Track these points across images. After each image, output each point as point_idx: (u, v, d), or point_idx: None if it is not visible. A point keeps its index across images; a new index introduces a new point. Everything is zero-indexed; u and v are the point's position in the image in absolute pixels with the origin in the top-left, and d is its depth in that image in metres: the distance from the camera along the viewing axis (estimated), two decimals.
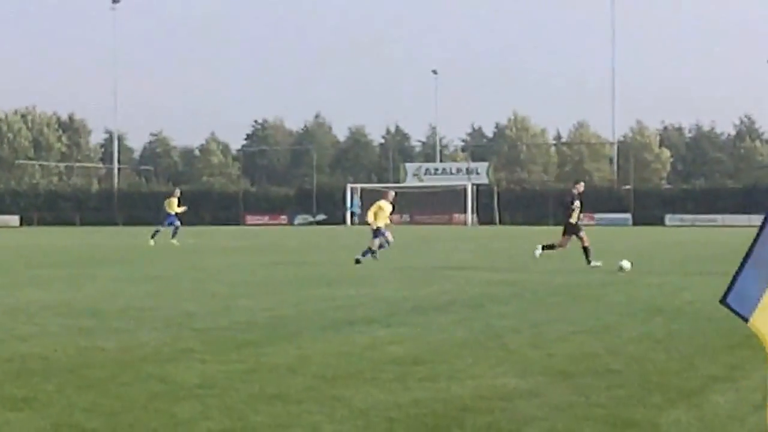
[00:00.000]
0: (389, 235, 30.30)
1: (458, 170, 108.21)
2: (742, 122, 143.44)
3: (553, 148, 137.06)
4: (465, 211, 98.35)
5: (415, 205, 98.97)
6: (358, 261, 27.69)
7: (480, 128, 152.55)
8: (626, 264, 24.36)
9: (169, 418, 7.90)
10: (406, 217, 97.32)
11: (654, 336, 12.28)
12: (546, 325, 13.53)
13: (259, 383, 9.24)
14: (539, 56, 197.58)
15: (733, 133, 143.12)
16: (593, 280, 21.78)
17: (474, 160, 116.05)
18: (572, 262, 27.24)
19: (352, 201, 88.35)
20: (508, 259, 31.79)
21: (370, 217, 30.22)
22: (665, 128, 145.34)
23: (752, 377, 9.56)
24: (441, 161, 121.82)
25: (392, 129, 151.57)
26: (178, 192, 45.87)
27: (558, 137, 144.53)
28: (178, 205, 44.16)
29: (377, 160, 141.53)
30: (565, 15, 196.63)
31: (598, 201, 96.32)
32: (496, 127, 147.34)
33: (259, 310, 15.52)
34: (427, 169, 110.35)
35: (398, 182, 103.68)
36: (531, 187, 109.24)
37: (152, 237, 42.92)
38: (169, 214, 43.96)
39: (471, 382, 9.39)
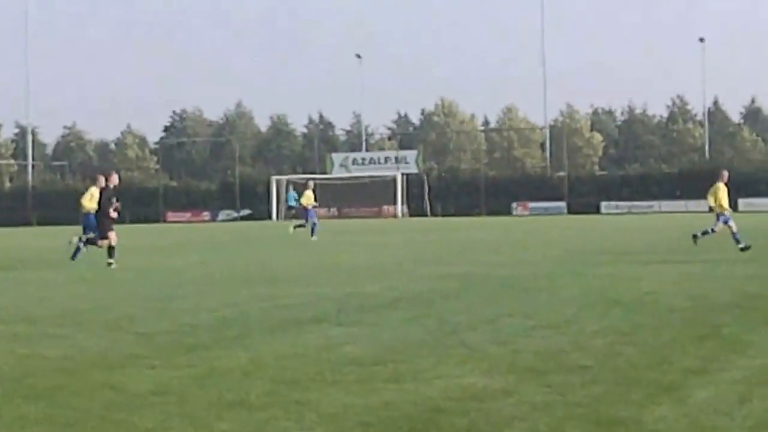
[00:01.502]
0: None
1: (387, 159, 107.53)
2: (674, 104, 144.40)
3: (482, 135, 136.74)
4: (395, 203, 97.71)
5: (343, 198, 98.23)
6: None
7: (406, 115, 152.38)
8: None
9: (130, 427, 7.45)
10: (333, 211, 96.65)
11: (619, 329, 11.89)
12: (503, 320, 13.12)
13: (216, 389, 8.76)
14: (466, 40, 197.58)
15: (665, 115, 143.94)
16: (540, 271, 21.46)
17: (401, 148, 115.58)
18: (510, 254, 26.85)
19: (287, 194, 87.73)
20: (447, 251, 31.39)
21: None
22: (596, 112, 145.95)
23: (729, 369, 9.26)
24: (367, 150, 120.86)
25: (315, 117, 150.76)
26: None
27: (486, 123, 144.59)
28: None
29: (301, 151, 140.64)
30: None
31: (531, 189, 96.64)
32: (423, 113, 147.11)
33: (200, 311, 14.97)
34: (354, 159, 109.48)
35: (324, 173, 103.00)
36: (462, 175, 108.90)
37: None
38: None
39: (438, 382, 8.97)
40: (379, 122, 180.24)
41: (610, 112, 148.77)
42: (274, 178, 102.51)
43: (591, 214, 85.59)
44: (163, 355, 10.72)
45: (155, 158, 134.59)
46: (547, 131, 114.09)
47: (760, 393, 8.22)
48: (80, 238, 27.76)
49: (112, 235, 26.26)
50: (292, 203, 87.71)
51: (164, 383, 9.13)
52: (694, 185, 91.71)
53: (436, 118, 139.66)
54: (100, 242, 26.77)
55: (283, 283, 20.12)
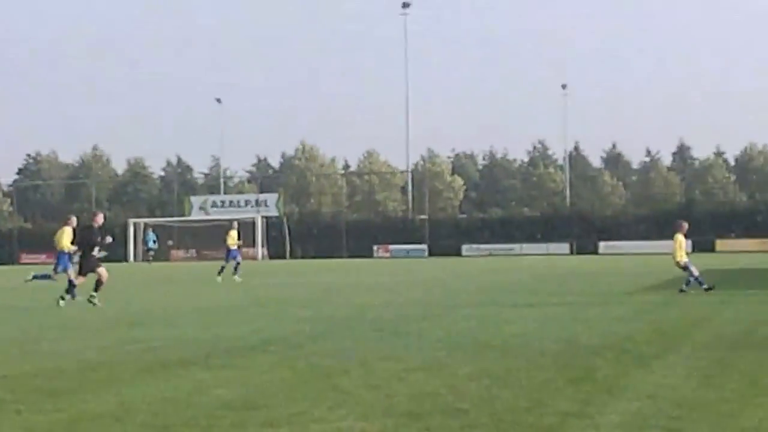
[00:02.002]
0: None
1: (246, 202, 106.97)
2: (535, 148, 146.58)
3: (342, 179, 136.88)
4: (255, 245, 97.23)
5: (202, 240, 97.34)
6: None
7: (266, 159, 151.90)
8: None
9: None
10: (192, 252, 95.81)
11: (492, 372, 11.81)
12: (374, 363, 12.94)
13: None
14: (328, 85, 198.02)
15: (526, 159, 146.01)
16: (407, 313, 21.36)
17: (261, 191, 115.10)
18: (375, 297, 26.75)
19: (145, 236, 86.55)
20: (311, 293, 31.13)
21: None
22: (457, 156, 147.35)
23: (607, 413, 9.22)
24: (225, 193, 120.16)
25: (173, 161, 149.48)
26: None
27: (347, 167, 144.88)
28: None
29: (158, 194, 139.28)
30: (355, 44, 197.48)
31: (392, 232, 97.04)
32: (283, 157, 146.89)
33: (63, 354, 14.54)
34: (214, 202, 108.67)
35: (183, 216, 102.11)
36: (323, 218, 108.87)
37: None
38: None
39: (315, 426, 8.83)
40: (238, 165, 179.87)
41: (471, 156, 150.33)
42: (131, 220, 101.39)
43: (452, 256, 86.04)
44: (27, 400, 10.35)
45: (9, 200, 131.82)
46: (409, 175, 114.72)
47: None
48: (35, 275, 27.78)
49: (102, 271, 25.88)
50: (151, 245, 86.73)
51: (31, 428, 8.83)
52: (555, 228, 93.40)
53: (296, 162, 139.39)
54: (78, 279, 26.69)
55: (146, 325, 19.72)
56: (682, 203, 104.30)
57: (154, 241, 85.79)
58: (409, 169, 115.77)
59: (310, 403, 9.97)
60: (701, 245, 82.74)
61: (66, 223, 30.30)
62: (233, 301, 27.82)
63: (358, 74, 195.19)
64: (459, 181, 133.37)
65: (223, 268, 42.29)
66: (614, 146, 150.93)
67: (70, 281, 27.75)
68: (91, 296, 25.67)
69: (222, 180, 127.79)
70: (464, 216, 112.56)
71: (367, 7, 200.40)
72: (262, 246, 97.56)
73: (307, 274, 51.16)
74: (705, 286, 26.65)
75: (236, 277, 41.19)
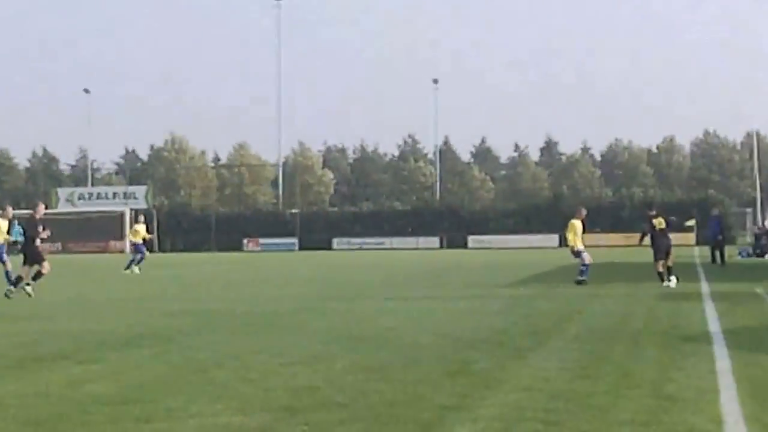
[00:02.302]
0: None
1: (115, 195, 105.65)
2: (405, 143, 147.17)
3: (212, 171, 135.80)
4: (123, 239, 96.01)
5: (69, 233, 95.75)
6: None
7: (134, 151, 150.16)
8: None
9: None
10: (58, 246, 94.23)
11: (368, 365, 11.79)
12: (249, 356, 12.84)
13: None
14: (198, 76, 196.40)
15: (396, 153, 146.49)
16: (280, 307, 21.25)
17: (130, 184, 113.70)
18: (247, 290, 26.59)
19: (10, 229, 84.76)
20: (181, 287, 30.81)
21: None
22: (329, 149, 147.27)
23: (485, 406, 9.24)
24: (93, 185, 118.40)
25: (39, 152, 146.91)
26: None
27: (217, 159, 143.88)
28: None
29: (24, 185, 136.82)
30: (227, 35, 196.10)
31: (263, 225, 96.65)
32: (152, 149, 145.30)
33: None
34: (81, 194, 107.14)
35: (48, 208, 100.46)
36: (193, 211, 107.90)
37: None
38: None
39: (192, 421, 8.73)
40: (106, 157, 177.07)
41: (342, 150, 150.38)
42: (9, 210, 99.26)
43: (323, 250, 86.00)
44: None
45: None
46: (280, 168, 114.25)
47: (519, 429, 8.23)
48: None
49: (45, 263, 26.18)
50: (18, 238, 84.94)
51: None
52: (426, 222, 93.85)
53: (165, 154, 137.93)
54: (23, 269, 26.32)
55: (17, 319, 19.35)
56: (550, 198, 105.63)
57: (21, 234, 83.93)
58: (281, 163, 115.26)
59: (187, 397, 9.85)
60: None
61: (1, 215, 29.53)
62: (103, 294, 27.42)
63: (229, 66, 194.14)
64: (329, 174, 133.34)
65: (132, 261, 41.54)
66: (483, 141, 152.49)
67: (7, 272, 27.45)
68: (27, 284, 25.71)
69: (89, 172, 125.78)
70: (335, 210, 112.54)
71: None
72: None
73: (176, 267, 50.68)
74: (579, 278, 27.09)
75: (136, 268, 40.76)
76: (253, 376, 11.15)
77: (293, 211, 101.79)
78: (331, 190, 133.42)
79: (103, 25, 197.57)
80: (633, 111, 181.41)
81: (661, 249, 26.57)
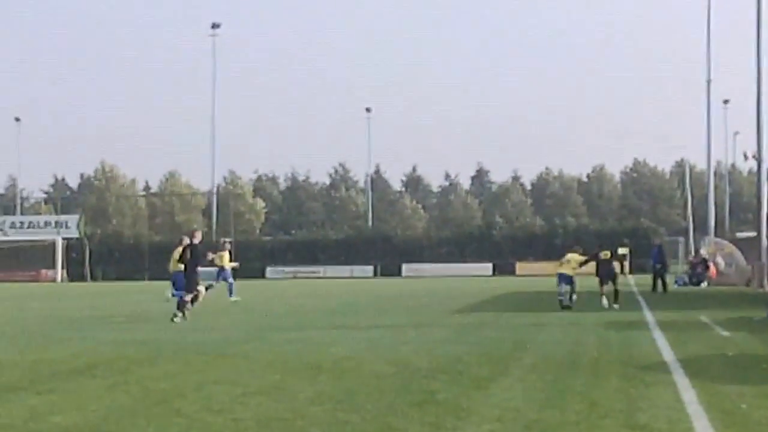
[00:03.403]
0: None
1: (46, 224, 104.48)
2: (336, 171, 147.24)
3: (143, 199, 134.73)
4: (54, 267, 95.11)
5: None
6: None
7: (64, 179, 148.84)
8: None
9: None
10: None
11: (332, 395, 11.75)
12: (210, 386, 12.76)
13: None
14: (130, 102, 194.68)
15: (327, 182, 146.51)
16: (230, 336, 21.14)
17: (59, 212, 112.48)
18: (191, 320, 26.38)
19: None
20: (121, 317, 30.33)
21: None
22: (259, 178, 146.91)
23: None
24: (22, 214, 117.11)
25: None
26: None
27: (148, 188, 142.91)
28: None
29: None
30: (161, 61, 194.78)
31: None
32: (82, 177, 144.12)
33: None
34: (12, 223, 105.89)
35: None
36: (125, 240, 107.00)
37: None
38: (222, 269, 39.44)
39: None
40: (35, 185, 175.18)
41: (273, 178, 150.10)
42: None
43: (256, 278, 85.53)
44: None
45: None
46: (215, 196, 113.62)
47: None
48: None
49: (201, 288, 27.63)
50: None
51: None
52: (359, 251, 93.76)
53: (96, 182, 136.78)
54: (188, 297, 27.02)
55: None
56: (483, 226, 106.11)
57: None
58: (215, 191, 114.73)
59: (156, 427, 9.80)
60: (502, 268, 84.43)
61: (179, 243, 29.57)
62: (41, 325, 27.00)
63: (161, 93, 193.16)
64: (260, 203, 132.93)
65: (231, 287, 39.93)
66: (414, 169, 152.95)
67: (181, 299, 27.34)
68: (186, 310, 26.64)
69: (18, 200, 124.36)
70: (269, 238, 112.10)
71: (174, 25, 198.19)
72: (62, 268, 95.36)
73: (111, 296, 50.08)
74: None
75: (234, 297, 38.98)
76: (217, 406, 11.08)
77: (227, 239, 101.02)
78: (263, 219, 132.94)
79: (33, 52, 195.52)
80: (562, 140, 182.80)
81: (605, 276, 30.22)
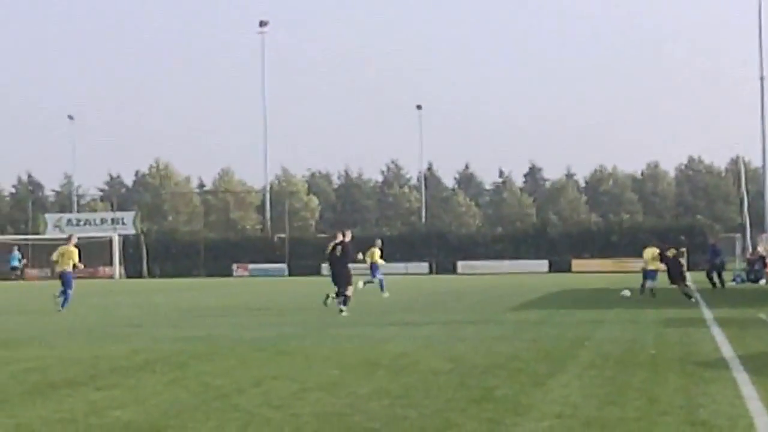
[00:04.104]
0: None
1: (103, 221, 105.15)
2: (389, 169, 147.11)
3: (197, 197, 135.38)
4: (112, 264, 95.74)
5: None
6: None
7: (119, 176, 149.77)
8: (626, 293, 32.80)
9: None
10: (47, 271, 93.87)
11: (390, 391, 11.77)
12: (268, 382, 12.83)
13: None
14: (183, 102, 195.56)
15: (380, 179, 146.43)
16: (286, 333, 21.23)
17: (115, 210, 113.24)
18: (247, 316, 26.50)
19: (11, 255, 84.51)
20: (179, 313, 30.55)
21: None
22: (312, 175, 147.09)
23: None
24: (78, 211, 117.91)
25: (24, 178, 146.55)
26: None
27: (201, 185, 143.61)
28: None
29: (9, 211, 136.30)
30: (212, 59, 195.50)
31: (251, 251, 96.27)
32: (137, 175, 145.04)
33: None
34: (69, 220, 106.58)
35: (37, 234, 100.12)
36: (181, 237, 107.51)
37: None
38: None
39: None
40: (90, 183, 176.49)
41: (326, 176, 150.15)
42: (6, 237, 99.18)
43: (312, 276, 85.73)
44: None
45: None
46: (268, 194, 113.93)
47: None
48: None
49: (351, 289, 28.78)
50: (16, 263, 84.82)
51: None
52: (414, 248, 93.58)
53: (150, 180, 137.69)
54: (349, 291, 28.60)
55: (20, 344, 19.23)
56: (537, 223, 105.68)
57: (20, 260, 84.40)
58: (268, 188, 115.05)
59: (216, 423, 9.84)
60: (558, 265, 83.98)
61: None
62: (103, 321, 27.24)
63: (214, 91, 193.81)
64: (315, 200, 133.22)
65: (381, 283, 40.75)
66: (467, 167, 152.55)
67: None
68: (341, 309, 27.82)
69: (74, 198, 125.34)
70: (324, 235, 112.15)
71: (224, 24, 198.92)
72: (120, 265, 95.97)
73: (168, 292, 50.38)
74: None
75: (385, 294, 39.58)
76: (276, 402, 11.13)
77: (281, 236, 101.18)
78: (317, 216, 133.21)
79: (88, 51, 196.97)
80: (616, 137, 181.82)
81: (674, 273, 32.47)
